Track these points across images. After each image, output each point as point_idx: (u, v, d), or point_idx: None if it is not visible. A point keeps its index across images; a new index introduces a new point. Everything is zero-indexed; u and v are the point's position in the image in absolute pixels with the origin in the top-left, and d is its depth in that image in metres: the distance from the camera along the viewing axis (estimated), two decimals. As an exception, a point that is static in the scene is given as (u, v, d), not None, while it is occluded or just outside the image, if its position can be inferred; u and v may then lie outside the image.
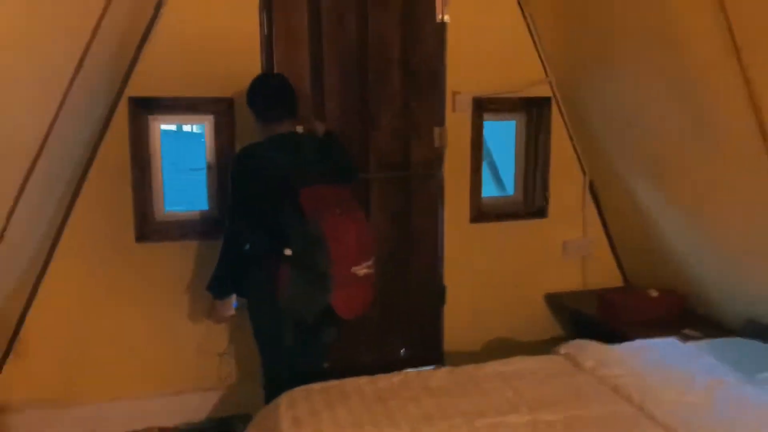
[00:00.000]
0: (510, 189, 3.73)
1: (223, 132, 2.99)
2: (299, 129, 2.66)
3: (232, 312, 2.62)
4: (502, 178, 4.75)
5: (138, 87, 2.85)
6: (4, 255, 2.40)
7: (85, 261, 2.89)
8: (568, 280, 3.66)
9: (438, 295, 3.41)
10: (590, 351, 2.54)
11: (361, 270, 2.26)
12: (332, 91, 3.09)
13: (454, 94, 3.27)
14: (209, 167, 3.06)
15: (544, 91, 3.45)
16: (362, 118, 3.15)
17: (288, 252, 2.26)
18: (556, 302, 3.63)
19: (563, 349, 2.62)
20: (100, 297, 2.93)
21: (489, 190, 3.50)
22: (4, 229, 2.32)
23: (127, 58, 2.82)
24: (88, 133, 2.81)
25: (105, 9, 2.28)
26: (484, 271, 3.49)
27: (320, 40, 3.03)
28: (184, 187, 4.08)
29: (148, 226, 2.96)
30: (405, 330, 3.38)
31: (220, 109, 2.97)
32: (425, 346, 3.44)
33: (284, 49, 2.98)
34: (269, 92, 2.49)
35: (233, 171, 2.42)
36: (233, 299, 2.60)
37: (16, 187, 2.29)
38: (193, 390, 3.06)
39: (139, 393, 3.02)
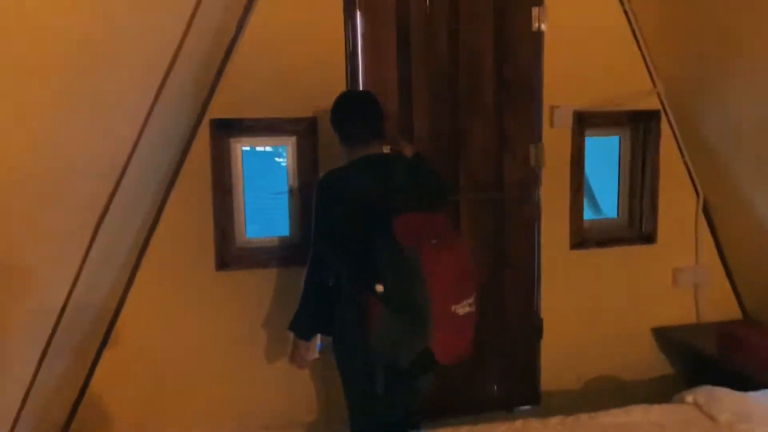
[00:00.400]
0: (609, 211, 3.41)
1: (306, 154, 2.83)
2: (386, 150, 2.47)
3: (316, 356, 2.40)
4: (597, 199, 4.39)
5: (219, 109, 2.74)
6: (83, 284, 2.31)
7: (164, 291, 2.78)
8: (679, 312, 3.31)
9: (534, 328, 3.13)
10: (725, 401, 2.20)
11: (462, 308, 2.01)
12: (421, 107, 2.88)
13: (552, 108, 3.00)
14: (291, 191, 2.91)
15: (651, 103, 3.13)
16: (452, 136, 2.92)
17: (380, 288, 2.04)
18: (665, 337, 3.28)
19: (690, 396, 2.29)
20: (179, 329, 2.81)
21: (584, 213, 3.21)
22: (86, 255, 2.23)
23: (209, 80, 2.72)
24: (168, 157, 2.71)
25: (186, 30, 2.18)
26: (584, 302, 3.18)
27: (409, 54, 2.84)
28: (265, 212, 3.97)
29: (229, 254, 2.83)
30: (498, 366, 3.10)
31: (302, 129, 2.82)
32: (520, 384, 3.16)
33: (371, 64, 2.80)
34: (354, 111, 2.29)
35: (317, 198, 2.23)
36: (318, 340, 2.38)
37: (96, 214, 2.20)
38: (273, 429, 2.89)
39: (215, 429, 2.87)
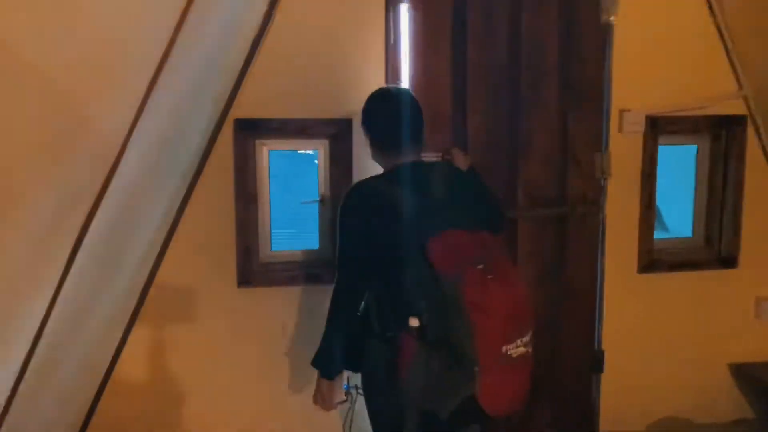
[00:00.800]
0: (680, 229, 3.01)
1: (340, 159, 2.52)
2: (430, 158, 2.13)
3: (343, 398, 2.04)
4: (662, 215, 3.95)
5: (244, 108, 2.45)
6: (95, 294, 2.05)
7: (179, 309, 2.51)
8: (762, 347, 2.91)
9: (594, 361, 2.74)
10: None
11: (516, 349, 1.67)
12: (477, 110, 2.52)
13: (622, 111, 2.62)
14: (322, 200, 2.61)
15: (736, 108, 2.72)
16: (511, 142, 2.56)
17: (414, 322, 1.72)
18: (744, 375, 2.89)
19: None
20: (193, 350, 2.53)
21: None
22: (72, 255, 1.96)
23: (233, 74, 2.43)
24: (187, 160, 2.44)
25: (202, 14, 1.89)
26: (652, 333, 2.80)
27: (465, 46, 2.48)
28: (293, 221, 3.68)
29: (252, 269, 2.54)
30: (552, 402, 2.73)
31: (335, 132, 2.51)
32: (576, 423, 2.78)
33: (420, 57, 2.46)
34: (388, 111, 1.95)
35: (342, 214, 1.90)
36: (344, 379, 2.05)
37: (108, 220, 1.94)
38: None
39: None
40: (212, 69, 2.27)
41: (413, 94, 2.00)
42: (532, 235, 2.60)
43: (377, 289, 1.86)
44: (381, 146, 1.94)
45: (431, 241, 1.70)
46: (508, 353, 1.65)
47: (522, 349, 1.68)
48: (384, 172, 1.94)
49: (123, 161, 1.82)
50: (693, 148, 2.83)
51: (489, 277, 1.66)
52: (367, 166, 2.46)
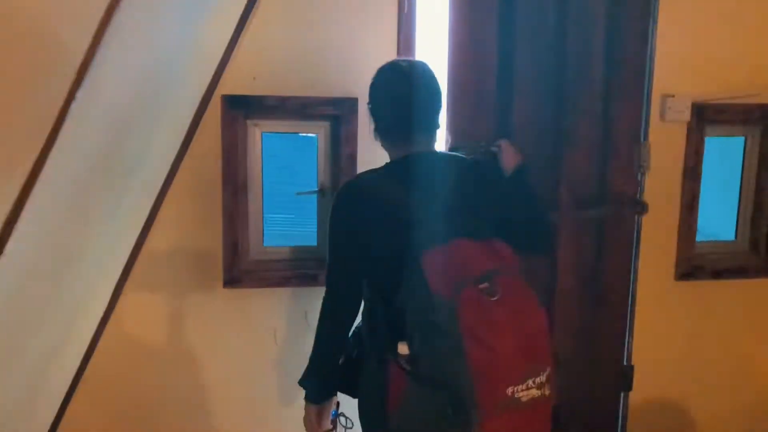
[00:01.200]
0: (720, 231, 2.69)
1: (343, 144, 2.21)
2: (469, 147, 1.80)
3: (329, 427, 1.68)
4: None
5: (234, 83, 2.14)
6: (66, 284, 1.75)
7: (157, 311, 2.21)
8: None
9: (621, 377, 2.45)
10: None
11: (526, 392, 1.35)
12: (524, 92, 2.16)
13: (665, 97, 2.30)
14: (321, 191, 2.30)
15: (793, 95, 2.40)
16: (557, 131, 2.22)
17: (403, 350, 1.43)
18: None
19: None
20: (172, 359, 2.24)
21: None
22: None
23: (222, 43, 2.11)
24: (167, 141, 2.13)
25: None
26: (690, 347, 2.50)
27: (513, 15, 2.13)
28: (289, 213, 3.37)
29: (241, 267, 2.23)
30: (574, 420, 2.44)
31: (338, 113, 2.19)
32: (600, 447, 2.49)
33: (463, 29, 2.11)
34: (396, 91, 1.58)
35: (330, 213, 1.60)
36: (333, 405, 1.70)
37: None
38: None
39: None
40: (191, 32, 1.95)
41: (431, 68, 1.62)
42: (570, 240, 2.27)
43: (371, 302, 1.57)
44: (385, 132, 1.61)
45: (428, 251, 1.40)
46: (516, 396, 1.32)
47: (535, 392, 1.35)
48: (387, 164, 1.63)
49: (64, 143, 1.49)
50: (739, 140, 2.51)
51: (494, 299, 1.34)
52: (374, 151, 2.16)
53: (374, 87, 1.62)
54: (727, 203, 2.59)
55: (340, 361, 1.63)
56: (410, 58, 1.80)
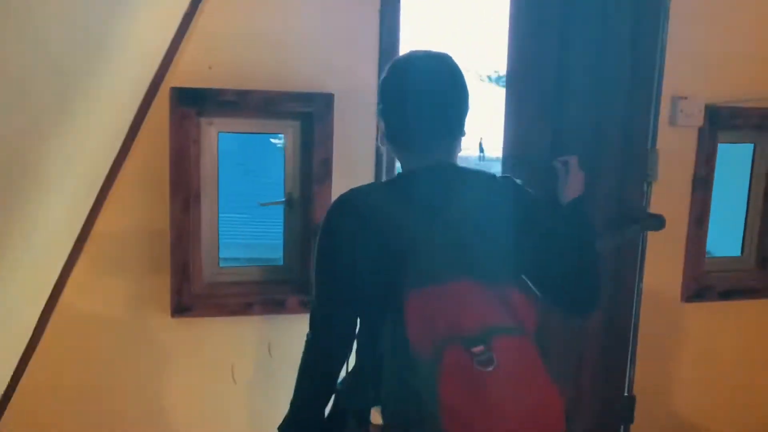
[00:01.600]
0: (723, 246, 2.50)
1: (316, 147, 1.88)
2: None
3: None
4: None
5: (186, 74, 1.79)
6: None
7: (90, 347, 1.85)
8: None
9: (622, 408, 2.22)
10: None
11: None
12: (575, 92, 1.95)
13: (675, 99, 2.07)
14: (289, 202, 1.97)
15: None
16: (595, 139, 1.97)
17: (376, 418, 1.17)
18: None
19: None
20: (112, 401, 1.88)
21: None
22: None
23: (172, 25, 1.76)
24: (103, 141, 1.76)
25: None
26: (698, 377, 2.28)
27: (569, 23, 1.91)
28: (250, 228, 2.99)
29: (193, 293, 1.88)
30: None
31: (310, 110, 1.87)
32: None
33: (523, 35, 1.91)
34: (407, 90, 1.25)
35: (320, 234, 1.27)
36: None
37: None
38: None
39: None
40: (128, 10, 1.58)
41: (455, 62, 1.28)
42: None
43: (361, 349, 1.27)
44: (392, 138, 1.28)
45: (415, 291, 1.09)
46: None
47: None
48: (393, 177, 1.31)
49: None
50: (747, 147, 2.31)
51: (487, 369, 1.03)
52: (352, 157, 1.86)
53: (385, 83, 1.28)
54: (732, 216, 2.39)
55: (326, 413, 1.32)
56: (429, 50, 1.43)
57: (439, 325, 1.06)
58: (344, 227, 1.22)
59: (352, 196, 1.25)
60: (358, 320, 1.27)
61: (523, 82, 1.94)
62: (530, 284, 1.21)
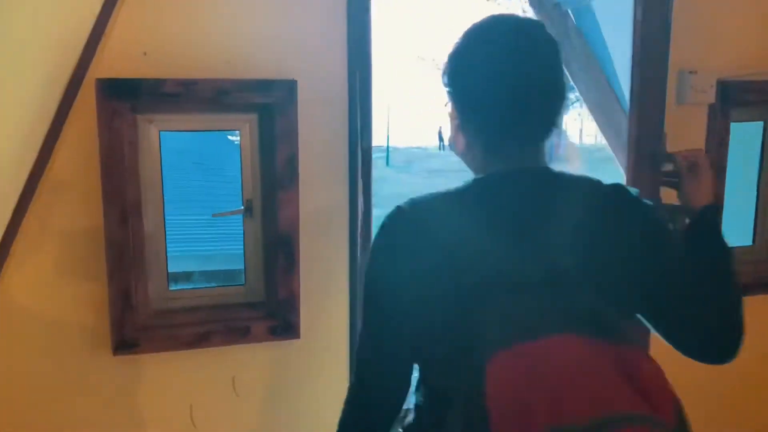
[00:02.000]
0: (732, 234, 2.29)
1: (279, 144, 1.58)
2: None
3: None
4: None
5: (115, 61, 1.48)
6: None
7: (13, 393, 1.52)
8: None
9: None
10: None
11: None
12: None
13: (683, 73, 1.84)
14: (249, 210, 1.67)
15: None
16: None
17: None
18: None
19: None
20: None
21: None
22: None
23: (96, 4, 1.44)
24: (18, 146, 1.44)
25: None
26: (703, 384, 2.06)
27: None
28: (205, 242, 2.65)
29: (137, 323, 1.57)
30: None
31: (270, 101, 1.57)
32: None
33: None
34: (492, 66, 0.92)
35: (369, 257, 0.98)
36: None
37: None
38: None
39: None
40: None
41: (550, 34, 0.96)
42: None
43: (418, 408, 0.98)
44: (469, 131, 0.97)
45: (499, 355, 0.78)
46: None
47: None
48: (466, 183, 0.97)
49: None
50: (757, 125, 2.10)
51: None
52: (324, 153, 1.58)
53: (456, 58, 0.95)
54: (743, 202, 2.18)
55: None
56: (517, 15, 1.09)
57: (538, 408, 0.73)
58: (402, 248, 0.93)
59: (414, 206, 0.94)
60: (417, 369, 0.98)
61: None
62: (649, 325, 0.94)
